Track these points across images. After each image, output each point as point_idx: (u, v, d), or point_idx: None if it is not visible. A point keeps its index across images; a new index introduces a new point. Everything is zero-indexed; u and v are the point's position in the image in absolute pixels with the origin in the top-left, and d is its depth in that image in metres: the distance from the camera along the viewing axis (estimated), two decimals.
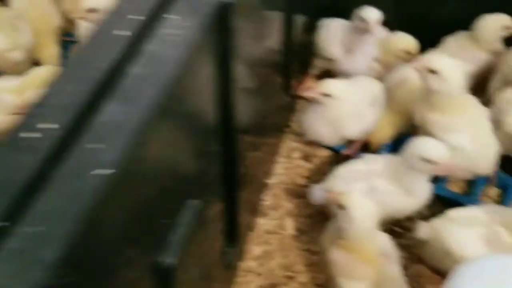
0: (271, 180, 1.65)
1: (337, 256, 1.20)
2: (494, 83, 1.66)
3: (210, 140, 1.05)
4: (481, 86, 1.68)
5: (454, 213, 1.30)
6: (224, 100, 1.04)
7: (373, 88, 1.65)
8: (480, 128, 1.49)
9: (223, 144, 1.09)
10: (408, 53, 1.68)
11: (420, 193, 1.37)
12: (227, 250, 1.31)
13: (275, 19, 1.43)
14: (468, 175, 1.51)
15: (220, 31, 0.93)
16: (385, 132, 1.63)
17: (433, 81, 1.41)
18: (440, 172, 1.31)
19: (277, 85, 1.61)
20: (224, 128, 1.07)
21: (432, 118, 1.46)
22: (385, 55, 1.75)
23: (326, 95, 1.52)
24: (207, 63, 0.92)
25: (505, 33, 1.67)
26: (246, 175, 1.32)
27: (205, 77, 0.93)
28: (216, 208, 1.15)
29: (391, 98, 1.65)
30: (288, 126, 1.77)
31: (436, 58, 1.44)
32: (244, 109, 1.18)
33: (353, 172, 1.40)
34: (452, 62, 1.43)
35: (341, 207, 1.18)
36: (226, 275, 1.37)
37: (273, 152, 1.67)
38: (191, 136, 0.93)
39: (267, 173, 1.66)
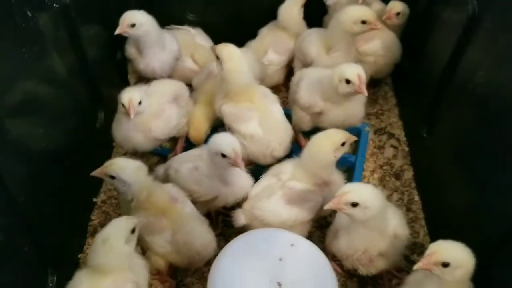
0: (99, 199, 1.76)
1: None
2: (295, 65, 1.93)
3: None
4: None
5: (254, 191, 1.47)
6: None
7: (173, 88, 1.72)
8: (269, 115, 1.61)
9: None
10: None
11: (238, 184, 1.49)
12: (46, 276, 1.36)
13: None
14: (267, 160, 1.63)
15: None
16: (201, 126, 1.76)
17: (220, 70, 1.58)
18: (237, 164, 1.38)
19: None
20: None
21: (225, 109, 1.61)
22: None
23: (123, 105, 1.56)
24: None
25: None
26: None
27: None
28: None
29: (201, 93, 1.79)
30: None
31: (222, 48, 1.58)
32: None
33: (185, 156, 1.58)
34: (237, 54, 1.57)
35: (111, 176, 1.36)
36: None
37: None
38: None
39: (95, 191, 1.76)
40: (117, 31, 1.71)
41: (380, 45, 1.89)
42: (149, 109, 1.62)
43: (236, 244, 1.02)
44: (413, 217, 1.69)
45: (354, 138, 1.48)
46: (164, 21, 1.97)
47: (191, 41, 2.02)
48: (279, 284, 0.94)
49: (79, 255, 1.59)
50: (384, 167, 1.84)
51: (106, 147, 1.87)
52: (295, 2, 1.93)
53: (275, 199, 1.44)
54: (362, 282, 1.53)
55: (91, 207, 1.72)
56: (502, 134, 1.21)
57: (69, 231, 1.56)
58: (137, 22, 1.72)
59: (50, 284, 1.38)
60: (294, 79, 1.75)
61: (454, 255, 1.12)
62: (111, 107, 1.73)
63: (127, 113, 1.55)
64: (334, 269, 1.52)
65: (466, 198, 1.42)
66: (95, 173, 1.37)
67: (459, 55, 1.51)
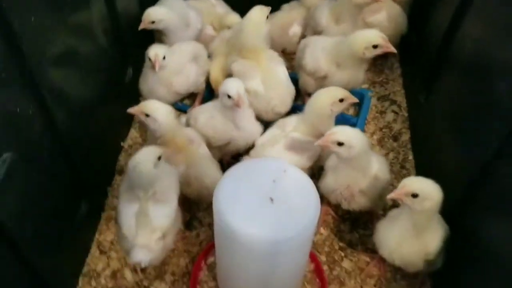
0: (126, 143, 1.97)
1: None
2: (307, 33, 2.11)
3: None
4: None
5: (261, 140, 1.69)
6: None
7: (193, 48, 1.94)
8: (272, 75, 1.79)
9: None
10: None
11: (248, 129, 1.70)
12: (79, 203, 1.58)
13: None
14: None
15: None
16: (219, 75, 1.94)
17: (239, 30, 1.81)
18: (238, 105, 1.59)
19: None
20: None
21: (234, 67, 1.80)
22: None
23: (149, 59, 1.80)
24: None
25: None
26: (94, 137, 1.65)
27: None
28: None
29: (218, 52, 1.99)
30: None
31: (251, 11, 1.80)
32: None
33: (202, 107, 1.80)
34: (258, 19, 1.78)
35: (146, 115, 1.56)
36: (86, 223, 1.65)
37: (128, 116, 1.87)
38: None
39: (123, 137, 1.98)
40: (140, 27, 1.90)
41: (386, 17, 2.04)
42: (171, 66, 1.85)
43: (237, 169, 1.22)
44: (406, 173, 1.87)
45: (354, 99, 1.64)
46: None
47: (212, 10, 2.21)
48: (271, 199, 1.14)
49: (108, 188, 1.83)
50: (383, 130, 2.02)
51: (134, 101, 2.08)
52: None
53: (278, 148, 1.64)
54: (353, 225, 1.73)
55: (119, 150, 1.95)
56: (490, 99, 1.36)
57: (100, 168, 1.79)
58: (155, 19, 1.90)
59: (83, 210, 1.61)
60: (300, 46, 1.94)
61: (423, 188, 1.30)
62: (139, 65, 1.96)
63: (153, 67, 1.78)
64: (329, 213, 1.75)
65: (455, 157, 1.58)
66: (133, 110, 1.60)
67: (455, 27, 1.66)
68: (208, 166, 1.62)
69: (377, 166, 1.53)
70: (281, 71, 1.83)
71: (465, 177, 1.42)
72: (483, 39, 1.47)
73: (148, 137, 1.76)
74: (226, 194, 1.16)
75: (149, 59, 1.79)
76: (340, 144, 1.43)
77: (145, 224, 1.39)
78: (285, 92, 1.82)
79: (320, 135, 1.63)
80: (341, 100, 1.61)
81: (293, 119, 1.70)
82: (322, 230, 1.72)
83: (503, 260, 1.19)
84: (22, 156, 1.19)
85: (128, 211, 1.42)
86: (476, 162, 1.37)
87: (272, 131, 1.71)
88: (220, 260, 1.34)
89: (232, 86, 1.60)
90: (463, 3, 1.61)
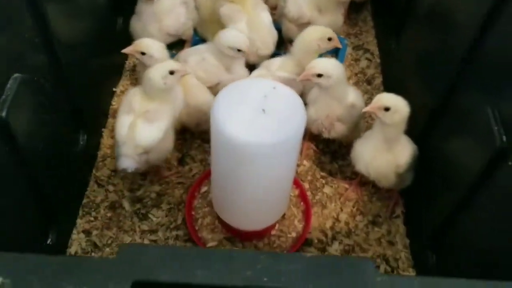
0: (118, 89, 2.08)
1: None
2: None
3: None
4: None
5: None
6: None
7: None
8: (256, 18, 1.92)
9: None
10: None
11: (238, 73, 1.83)
12: (78, 135, 1.68)
13: None
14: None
15: None
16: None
17: None
18: (248, 56, 1.76)
19: None
20: None
21: (222, 10, 1.93)
22: None
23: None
24: None
25: None
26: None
27: None
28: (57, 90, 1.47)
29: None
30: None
31: None
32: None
33: (192, 49, 1.91)
34: None
35: (142, 53, 1.69)
36: (84, 157, 1.76)
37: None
38: None
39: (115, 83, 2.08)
40: None
41: None
42: (164, 4, 1.97)
43: (230, 87, 1.34)
44: None
45: (339, 44, 1.80)
46: None
47: None
48: (263, 110, 1.28)
49: (102, 129, 1.93)
50: (358, 75, 2.18)
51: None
52: None
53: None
54: (333, 157, 1.89)
55: (112, 95, 2.05)
56: (450, 42, 1.52)
57: (96, 109, 1.89)
58: None
59: (81, 143, 1.71)
60: None
61: (394, 101, 1.47)
62: (129, 15, 2.06)
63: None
64: (311, 148, 1.90)
65: (420, 93, 1.75)
66: (128, 50, 1.70)
67: None
68: (203, 94, 1.76)
69: (353, 96, 1.69)
70: (265, 16, 1.96)
71: (428, 107, 1.59)
72: None
73: (142, 81, 1.85)
74: (223, 107, 1.28)
75: None
76: (319, 75, 1.57)
77: (131, 138, 1.52)
78: (268, 36, 1.95)
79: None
80: (329, 39, 1.75)
81: (278, 59, 1.84)
82: (305, 162, 1.87)
83: (464, 172, 1.36)
84: (29, 80, 1.29)
85: (123, 121, 1.55)
86: (436, 95, 1.54)
87: (258, 71, 1.83)
88: (216, 177, 1.47)
89: (241, 40, 1.75)
90: None
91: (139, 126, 1.52)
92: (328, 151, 1.90)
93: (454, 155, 1.46)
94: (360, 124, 1.79)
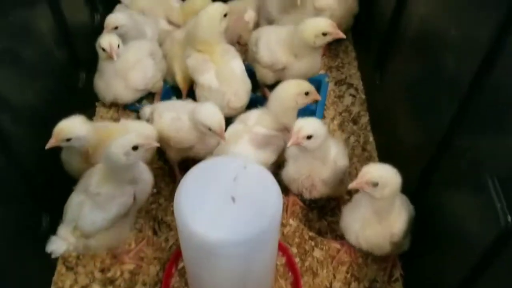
0: None
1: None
2: (261, 23, 2.10)
3: None
4: None
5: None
6: None
7: (148, 45, 1.92)
8: (226, 68, 1.76)
9: None
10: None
11: (211, 144, 1.65)
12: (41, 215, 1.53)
13: None
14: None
15: None
16: (186, 76, 1.92)
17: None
18: (221, 137, 1.54)
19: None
20: None
21: (189, 62, 1.79)
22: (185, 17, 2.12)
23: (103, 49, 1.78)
24: None
25: None
26: None
27: None
28: None
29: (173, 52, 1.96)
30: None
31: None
32: None
33: (169, 104, 1.75)
34: (211, 14, 1.75)
35: (67, 139, 1.49)
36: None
37: None
38: None
39: None
40: (104, 32, 1.88)
41: None
42: (128, 60, 1.83)
43: (196, 170, 1.19)
44: (368, 155, 1.88)
45: (318, 96, 1.64)
46: None
47: (166, 2, 2.18)
48: (233, 198, 1.12)
49: None
50: (343, 114, 2.02)
51: (89, 106, 2.02)
52: None
53: (242, 143, 1.61)
54: (321, 213, 1.73)
55: None
56: (439, 76, 1.38)
57: (55, 177, 1.70)
58: (119, 24, 1.88)
59: (44, 223, 1.55)
60: (252, 39, 1.90)
61: (382, 175, 1.30)
62: (92, 69, 1.91)
63: (110, 56, 1.75)
64: (297, 203, 1.74)
65: (412, 135, 1.60)
66: (50, 144, 1.47)
67: (402, 7, 1.67)
68: None
69: (335, 151, 1.53)
70: (236, 65, 1.79)
71: (423, 155, 1.44)
72: (426, 18, 1.49)
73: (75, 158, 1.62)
74: (188, 198, 1.13)
75: (103, 49, 1.77)
76: (309, 137, 1.42)
77: (73, 219, 1.39)
78: (240, 87, 1.79)
79: (283, 127, 1.62)
80: (307, 93, 1.60)
81: (254, 113, 1.68)
82: (291, 221, 1.71)
83: (464, 234, 1.21)
84: None
85: (72, 199, 1.43)
86: (431, 139, 1.39)
87: (234, 126, 1.67)
88: (189, 267, 1.32)
89: (213, 119, 1.54)
90: None
91: (86, 208, 1.39)
92: (316, 206, 1.75)
93: (455, 218, 1.30)
94: (346, 179, 1.62)
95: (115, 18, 1.88)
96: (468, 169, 1.21)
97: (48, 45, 1.68)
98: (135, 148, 1.37)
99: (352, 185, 1.31)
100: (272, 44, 1.82)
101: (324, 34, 1.70)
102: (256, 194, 1.14)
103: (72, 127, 1.49)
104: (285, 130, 1.63)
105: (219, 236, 1.07)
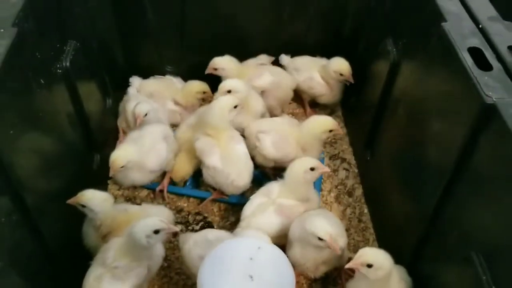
0: None
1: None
2: None
3: None
4: None
5: (248, 209, 1.80)
6: None
7: (161, 129, 2.08)
8: (231, 152, 1.94)
9: None
10: (204, 92, 2.34)
11: None
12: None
13: None
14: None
15: None
16: (185, 169, 2.09)
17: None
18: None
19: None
20: None
21: (197, 144, 1.96)
22: (185, 98, 2.33)
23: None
24: None
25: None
26: None
27: None
28: None
29: (183, 141, 2.12)
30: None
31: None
32: None
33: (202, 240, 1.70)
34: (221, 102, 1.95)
35: (82, 205, 1.66)
36: None
37: None
38: None
39: None
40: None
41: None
42: (145, 146, 2.00)
43: (214, 254, 1.32)
44: (363, 226, 2.04)
45: (325, 169, 1.81)
46: (148, 72, 2.41)
47: (172, 86, 2.39)
48: (251, 277, 1.26)
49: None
50: (338, 187, 2.20)
51: (103, 185, 2.16)
52: None
53: (268, 214, 1.77)
54: (324, 282, 1.86)
55: None
56: (425, 152, 1.55)
57: (75, 248, 1.81)
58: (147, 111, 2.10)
59: None
60: (252, 130, 2.06)
61: (376, 259, 1.46)
62: (105, 151, 2.07)
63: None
64: (302, 274, 1.87)
65: (404, 208, 1.76)
66: (71, 201, 1.65)
67: (388, 92, 1.90)
68: None
69: (335, 232, 1.64)
70: (240, 148, 1.98)
71: (414, 228, 1.60)
72: (413, 101, 1.69)
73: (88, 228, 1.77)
74: (209, 277, 1.26)
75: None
76: (369, 266, 1.48)
77: None
78: (243, 168, 1.96)
79: (302, 198, 1.80)
80: (312, 169, 1.78)
81: (275, 186, 1.84)
82: None
83: None
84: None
85: (91, 272, 1.54)
86: (421, 213, 1.55)
87: (257, 199, 1.82)
88: None
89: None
90: (391, 72, 1.84)
91: (105, 281, 1.50)
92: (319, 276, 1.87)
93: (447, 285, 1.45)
94: (345, 249, 1.77)
95: (143, 108, 2.09)
96: (455, 244, 1.37)
97: (69, 137, 1.84)
98: (156, 232, 1.51)
99: (348, 265, 1.47)
100: (280, 142, 2.01)
101: (331, 130, 1.98)
102: (272, 273, 1.27)
103: (91, 198, 1.66)
104: (305, 200, 1.81)
105: None
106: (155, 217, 1.56)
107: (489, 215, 1.23)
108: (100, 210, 1.67)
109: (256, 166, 2.07)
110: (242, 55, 2.34)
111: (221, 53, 2.26)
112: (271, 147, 2.01)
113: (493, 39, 1.39)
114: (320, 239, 1.58)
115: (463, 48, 1.35)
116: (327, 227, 1.58)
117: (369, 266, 1.45)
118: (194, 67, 2.35)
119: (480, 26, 1.44)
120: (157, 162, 2.02)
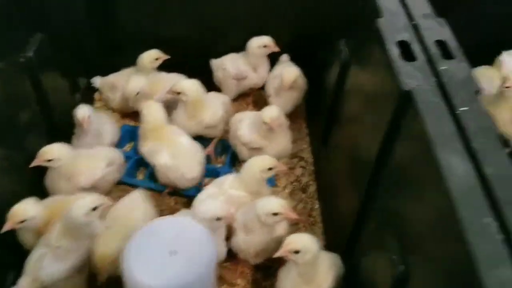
0: None
1: None
2: None
3: None
4: None
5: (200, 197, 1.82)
6: None
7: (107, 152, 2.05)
8: (176, 146, 1.99)
9: None
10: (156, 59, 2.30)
11: None
12: None
13: None
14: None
15: None
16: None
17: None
18: None
19: None
20: None
21: (142, 151, 2.02)
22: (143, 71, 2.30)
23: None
24: None
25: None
26: None
27: None
28: None
29: None
30: None
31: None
32: None
33: None
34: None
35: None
36: None
37: None
38: None
39: None
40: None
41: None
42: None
43: (141, 232, 1.37)
44: (312, 221, 2.08)
45: (282, 167, 1.89)
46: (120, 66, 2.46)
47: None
48: (173, 252, 1.29)
49: None
50: (294, 183, 2.24)
51: None
52: None
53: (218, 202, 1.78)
54: (267, 273, 1.88)
55: None
56: (361, 141, 1.60)
57: None
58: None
59: None
60: (235, 119, 2.17)
61: (302, 244, 1.49)
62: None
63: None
64: (246, 266, 1.89)
65: (345, 199, 1.81)
66: (6, 228, 1.56)
67: (340, 90, 1.95)
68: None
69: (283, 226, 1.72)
70: (184, 140, 2.04)
71: (350, 218, 1.64)
72: (357, 100, 1.74)
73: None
74: (134, 252, 1.30)
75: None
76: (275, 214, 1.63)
77: (34, 270, 1.53)
78: (191, 159, 2.01)
79: (254, 191, 1.84)
80: (270, 169, 1.84)
81: (230, 177, 1.89)
82: (239, 281, 1.86)
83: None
84: None
85: (35, 253, 1.57)
86: (356, 201, 1.59)
87: (209, 189, 1.88)
88: None
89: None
90: (341, 73, 1.90)
91: (46, 261, 1.54)
92: (263, 266, 1.89)
93: (369, 273, 1.48)
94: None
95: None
96: (376, 231, 1.41)
97: (26, 122, 1.88)
98: (94, 208, 1.56)
99: (277, 254, 1.50)
100: (252, 126, 2.08)
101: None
102: (193, 249, 1.32)
103: (25, 210, 1.62)
104: (256, 193, 1.85)
105: (155, 284, 1.23)
106: (89, 195, 1.61)
107: (406, 201, 1.27)
108: (36, 213, 1.63)
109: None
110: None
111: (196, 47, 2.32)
112: (245, 130, 2.07)
113: (423, 33, 1.45)
114: (275, 214, 1.64)
115: (392, 42, 1.41)
116: (279, 201, 1.67)
117: (297, 252, 1.49)
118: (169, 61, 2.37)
119: (414, 22, 1.50)
120: (90, 180, 1.91)
